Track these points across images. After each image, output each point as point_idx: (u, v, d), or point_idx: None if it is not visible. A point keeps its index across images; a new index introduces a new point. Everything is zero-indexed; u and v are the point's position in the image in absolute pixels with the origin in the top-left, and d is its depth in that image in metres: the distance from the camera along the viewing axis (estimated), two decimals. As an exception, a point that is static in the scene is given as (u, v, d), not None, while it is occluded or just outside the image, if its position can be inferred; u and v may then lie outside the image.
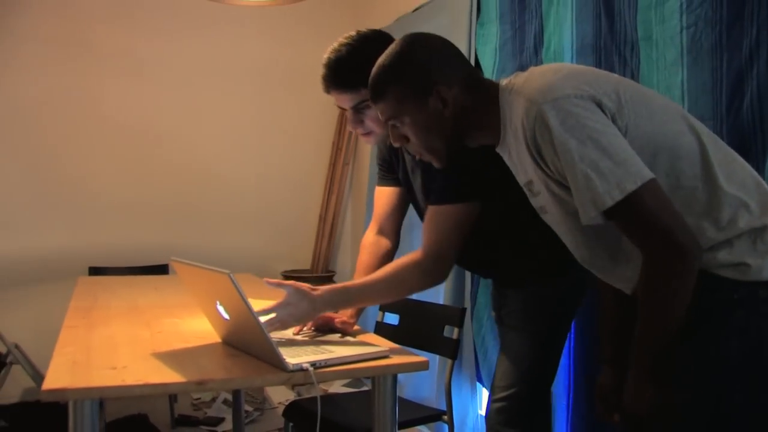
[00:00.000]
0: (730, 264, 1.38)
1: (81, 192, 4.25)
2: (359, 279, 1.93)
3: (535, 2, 2.73)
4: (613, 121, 1.38)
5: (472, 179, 1.81)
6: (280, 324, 1.78)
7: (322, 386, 4.14)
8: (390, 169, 2.22)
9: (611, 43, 2.32)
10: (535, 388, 2.01)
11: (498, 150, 1.64)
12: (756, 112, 1.84)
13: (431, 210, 1.88)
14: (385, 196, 2.24)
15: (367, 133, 1.97)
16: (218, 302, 1.69)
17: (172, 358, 1.70)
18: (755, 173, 1.47)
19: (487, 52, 3.00)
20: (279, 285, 1.81)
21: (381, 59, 1.64)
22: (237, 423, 3.53)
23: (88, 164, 4.27)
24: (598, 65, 2.35)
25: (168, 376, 1.54)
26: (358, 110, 1.93)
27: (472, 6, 3.16)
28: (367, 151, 4.51)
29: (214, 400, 4.03)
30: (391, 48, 1.64)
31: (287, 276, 4.54)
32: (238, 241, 4.53)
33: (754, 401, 1.39)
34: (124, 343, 1.88)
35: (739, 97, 1.87)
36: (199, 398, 4.12)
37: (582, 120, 1.34)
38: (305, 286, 1.82)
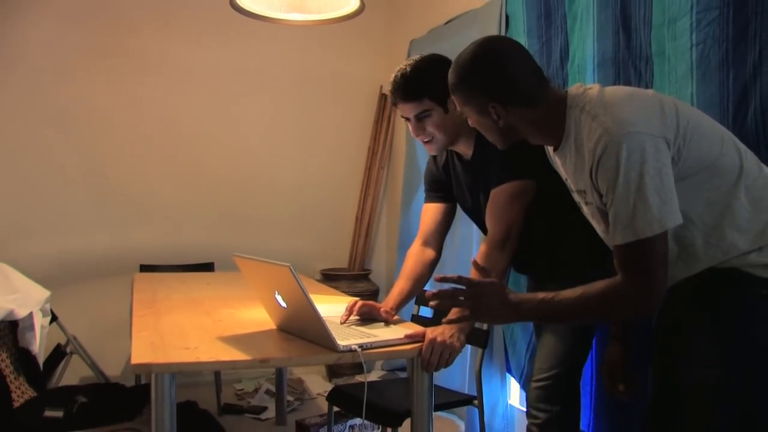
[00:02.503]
0: (760, 264, 1.59)
1: (132, 196, 4.50)
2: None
3: (560, 19, 2.92)
4: (671, 147, 1.57)
5: (522, 160, 2.03)
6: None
7: (359, 378, 4.37)
8: (437, 188, 2.47)
9: (628, 58, 2.51)
10: (572, 369, 2.23)
11: (555, 154, 1.82)
12: (759, 123, 2.02)
13: (491, 194, 2.15)
14: (431, 212, 2.49)
15: (429, 141, 2.23)
16: (276, 292, 1.92)
17: (235, 341, 1.94)
18: None
19: (515, 64, 3.20)
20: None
21: (459, 57, 1.82)
22: (279, 410, 3.77)
23: (138, 170, 4.52)
24: (617, 78, 2.54)
25: (235, 354, 1.78)
26: (420, 119, 2.19)
27: (501, 20, 3.35)
28: (402, 156, 4.72)
29: (256, 390, 4.26)
30: (467, 50, 1.81)
31: (325, 274, 4.76)
32: (279, 241, 4.74)
33: None
34: (190, 328, 2.12)
35: (744, 109, 2.06)
36: (242, 389, 4.35)
37: (646, 156, 1.52)
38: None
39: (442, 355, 1.90)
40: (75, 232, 4.36)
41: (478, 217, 2.39)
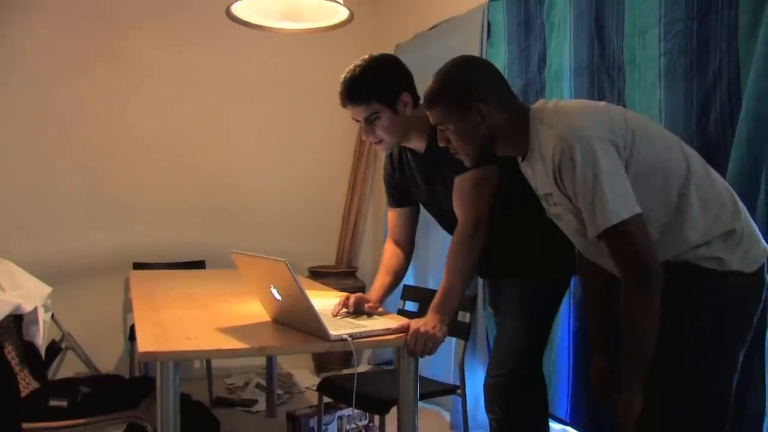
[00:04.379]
0: (708, 257, 1.76)
1: (125, 196, 4.59)
2: (440, 287, 2.20)
3: (538, 27, 3.07)
4: (622, 150, 1.73)
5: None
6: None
7: (345, 371, 4.49)
8: (395, 192, 2.55)
9: (602, 66, 2.66)
10: (529, 364, 2.33)
11: (522, 164, 2.00)
12: (719, 129, 2.19)
13: (455, 183, 2.21)
14: (393, 216, 2.59)
15: (379, 141, 2.30)
16: (272, 286, 2.05)
17: (233, 331, 2.07)
18: (730, 188, 1.84)
19: (496, 70, 3.34)
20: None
21: (436, 74, 1.98)
22: (270, 403, 3.91)
23: (131, 171, 4.61)
24: (591, 85, 2.70)
25: (234, 344, 1.91)
26: (370, 121, 2.25)
27: (483, 27, 3.50)
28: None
29: (246, 384, 4.38)
30: (446, 67, 1.99)
31: (313, 271, 4.88)
32: (269, 240, 4.83)
33: (720, 360, 1.76)
34: (189, 321, 2.25)
35: (706, 115, 2.22)
36: (233, 383, 4.47)
37: (599, 157, 1.69)
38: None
39: (426, 344, 2.03)
40: (69, 231, 4.44)
41: (436, 210, 2.47)
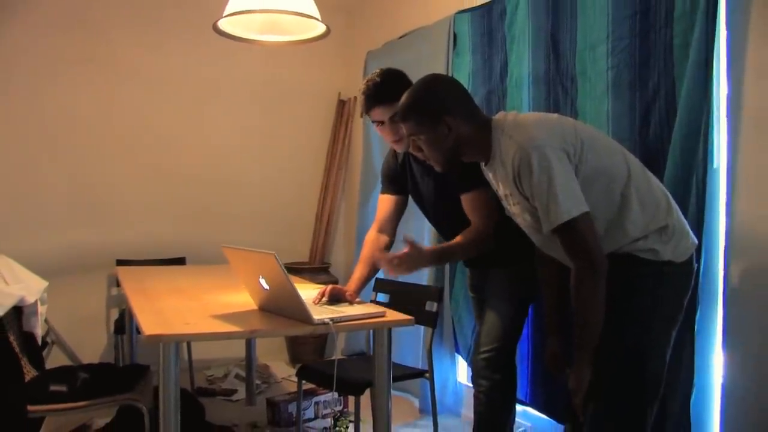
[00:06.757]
0: (645, 249, 2.03)
1: (108, 196, 4.75)
2: (445, 244, 2.57)
3: (500, 39, 3.31)
4: (572, 157, 1.98)
5: (478, 173, 2.38)
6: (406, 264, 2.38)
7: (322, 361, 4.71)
8: (393, 181, 2.82)
9: (557, 77, 2.91)
10: (510, 344, 2.61)
11: (485, 168, 2.25)
12: (658, 137, 2.45)
13: (465, 198, 2.51)
14: (386, 202, 2.85)
15: (399, 140, 2.58)
16: (261, 276, 2.27)
17: (225, 318, 2.28)
18: (664, 189, 2.12)
19: (461, 78, 3.54)
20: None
21: (409, 91, 2.22)
22: (249, 392, 4.11)
23: (114, 171, 4.77)
24: (548, 95, 2.94)
25: (228, 328, 2.13)
26: (394, 120, 2.51)
27: (449, 38, 3.72)
28: (359, 158, 5.06)
29: (226, 376, 4.58)
30: (417, 83, 2.24)
31: (288, 267, 5.08)
32: (246, 237, 4.95)
33: (656, 337, 2.04)
34: (184, 309, 2.45)
35: (647, 125, 2.49)
36: (212, 374, 4.66)
37: (552, 163, 1.94)
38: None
39: (406, 262, 2.35)
40: (54, 230, 4.58)
41: (422, 206, 2.77)
